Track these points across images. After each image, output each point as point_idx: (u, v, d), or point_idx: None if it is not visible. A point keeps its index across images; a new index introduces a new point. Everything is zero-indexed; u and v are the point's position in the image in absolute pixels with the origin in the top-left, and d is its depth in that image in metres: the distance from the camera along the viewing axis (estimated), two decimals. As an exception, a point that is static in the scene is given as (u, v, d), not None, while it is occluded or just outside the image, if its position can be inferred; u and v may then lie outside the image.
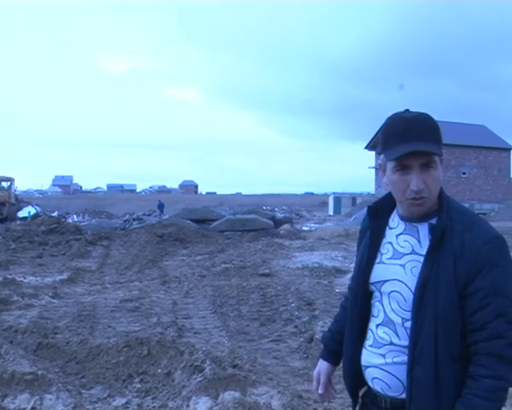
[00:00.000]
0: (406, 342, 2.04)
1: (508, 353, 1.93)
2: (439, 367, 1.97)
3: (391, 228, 2.18)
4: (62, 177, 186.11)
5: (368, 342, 2.19)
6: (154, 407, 5.51)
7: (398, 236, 2.13)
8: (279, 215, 38.61)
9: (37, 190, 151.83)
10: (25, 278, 13.39)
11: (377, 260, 2.17)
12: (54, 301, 10.75)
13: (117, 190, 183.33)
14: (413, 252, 2.07)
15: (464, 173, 55.50)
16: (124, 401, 5.67)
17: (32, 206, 40.60)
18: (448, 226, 2.00)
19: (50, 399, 5.37)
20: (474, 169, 57.17)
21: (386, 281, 2.11)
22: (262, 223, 25.38)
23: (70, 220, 35.85)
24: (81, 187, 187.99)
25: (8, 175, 41.76)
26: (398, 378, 2.08)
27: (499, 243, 1.99)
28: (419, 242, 2.07)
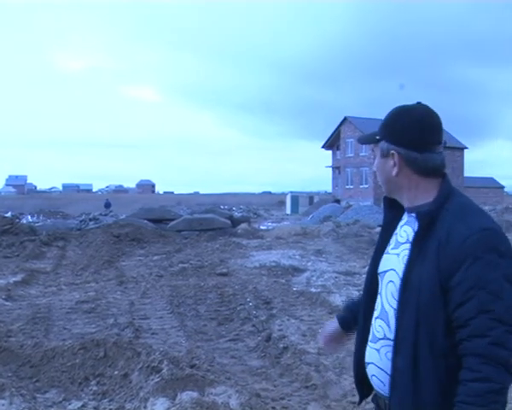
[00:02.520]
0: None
1: (492, 352, 1.81)
2: (418, 359, 1.91)
3: (401, 220, 2.18)
4: (16, 176, 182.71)
5: (369, 338, 2.16)
6: (110, 409, 5.46)
7: (401, 227, 2.14)
8: (237, 214, 38.62)
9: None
10: (-23, 280, 13.10)
11: (385, 251, 2.17)
12: (7, 303, 10.54)
13: (73, 189, 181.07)
14: (407, 241, 2.06)
15: (419, 172, 56.26)
16: (80, 404, 5.60)
17: (-15, 206, 39.75)
18: (440, 216, 1.97)
19: (3, 404, 5.26)
20: (428, 168, 58.05)
21: (387, 271, 2.11)
22: (220, 222, 25.33)
23: (24, 221, 35.11)
24: (36, 187, 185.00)
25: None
26: (389, 375, 2.03)
27: (488, 234, 1.90)
28: (414, 230, 2.05)
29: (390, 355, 2.02)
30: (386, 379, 2.04)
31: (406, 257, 2.01)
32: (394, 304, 2.03)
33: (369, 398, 2.33)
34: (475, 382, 1.82)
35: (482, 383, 1.81)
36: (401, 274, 2.01)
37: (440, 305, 1.90)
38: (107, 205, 48.44)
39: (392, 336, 2.02)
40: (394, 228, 2.19)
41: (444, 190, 2.05)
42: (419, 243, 1.98)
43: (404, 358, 1.94)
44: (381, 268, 2.16)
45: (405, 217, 2.15)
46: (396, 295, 2.02)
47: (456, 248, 1.89)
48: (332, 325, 2.61)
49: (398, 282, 2.02)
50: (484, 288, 1.84)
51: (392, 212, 2.21)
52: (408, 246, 2.04)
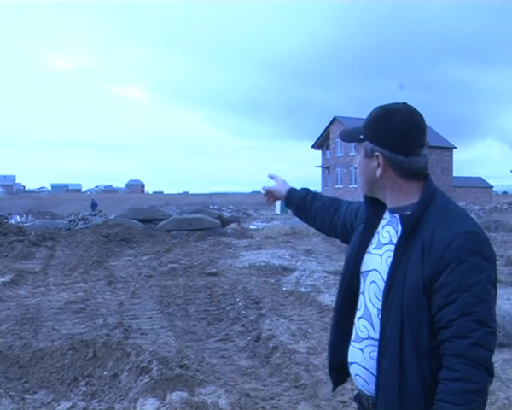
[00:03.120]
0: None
1: (473, 353, 1.85)
2: (404, 361, 1.94)
3: (383, 219, 2.18)
4: (4, 176, 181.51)
5: (352, 338, 2.19)
6: (100, 409, 5.44)
7: (383, 226, 2.15)
8: (226, 214, 38.58)
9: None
10: (-35, 280, 13.00)
11: (367, 250, 2.18)
12: (-5, 304, 10.48)
13: (62, 189, 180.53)
14: (390, 242, 2.07)
15: (408, 172, 56.39)
16: (69, 405, 5.57)
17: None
18: (424, 218, 1.98)
19: (-8, 405, 5.23)
20: (417, 168, 58.22)
21: (369, 271, 2.13)
22: (209, 222, 25.28)
23: (13, 221, 34.89)
24: (24, 187, 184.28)
25: None
26: (374, 375, 2.06)
27: (472, 238, 1.91)
28: (396, 232, 2.07)
29: (374, 355, 2.05)
30: (371, 379, 2.07)
31: (390, 259, 2.03)
32: (378, 304, 2.06)
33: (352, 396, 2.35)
34: (455, 381, 1.85)
35: (461, 383, 1.85)
36: (385, 276, 2.02)
37: (424, 307, 1.93)
38: (94, 205, 47.74)
39: (376, 335, 2.05)
40: (376, 226, 2.19)
41: (427, 192, 2.05)
42: (403, 246, 1.99)
43: (389, 360, 1.97)
44: (363, 267, 2.18)
45: (387, 216, 2.16)
46: (380, 295, 2.05)
47: (440, 251, 1.90)
48: (281, 187, 2.80)
49: (381, 283, 2.05)
50: (467, 291, 1.86)
51: (374, 210, 2.21)
52: (391, 247, 2.06)
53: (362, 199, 2.33)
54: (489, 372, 1.88)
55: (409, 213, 2.02)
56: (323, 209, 2.65)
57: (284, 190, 2.79)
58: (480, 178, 75.62)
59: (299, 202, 2.73)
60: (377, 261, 2.10)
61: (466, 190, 67.16)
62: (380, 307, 2.04)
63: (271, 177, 2.88)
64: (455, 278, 1.87)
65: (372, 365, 2.06)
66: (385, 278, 2.02)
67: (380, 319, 2.02)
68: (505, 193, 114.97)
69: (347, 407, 5.45)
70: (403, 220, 2.01)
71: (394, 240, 2.05)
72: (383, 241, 2.11)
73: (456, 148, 64.24)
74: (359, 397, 2.22)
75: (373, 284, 2.10)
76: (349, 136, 2.26)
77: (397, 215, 2.08)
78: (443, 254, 1.89)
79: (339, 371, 2.33)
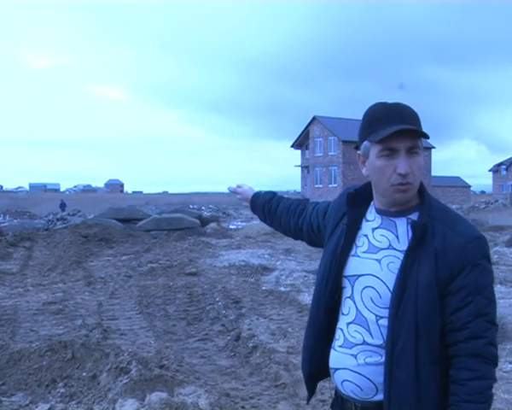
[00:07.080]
0: (380, 341, 2.00)
1: (489, 352, 1.93)
2: (420, 368, 1.93)
3: (367, 220, 2.12)
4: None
5: (337, 343, 2.13)
6: (78, 411, 5.40)
7: (374, 229, 2.08)
8: (206, 214, 38.49)
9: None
10: None
11: (352, 253, 2.11)
12: (-28, 305, 10.36)
13: (40, 189, 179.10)
14: (390, 247, 2.02)
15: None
16: (47, 406, 5.52)
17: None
18: (429, 224, 1.97)
19: (-31, 407, 5.18)
20: (396, 167, 58.61)
21: (361, 275, 2.06)
22: (188, 222, 25.21)
23: (-10, 221, 34.59)
24: (2, 186, 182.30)
25: None
26: (370, 380, 2.02)
27: (481, 242, 1.98)
28: (397, 237, 2.02)
29: (370, 360, 2.02)
30: (365, 384, 2.04)
31: (393, 264, 1.99)
32: (376, 310, 2.02)
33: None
34: (474, 380, 1.91)
35: (481, 381, 1.92)
36: (389, 282, 1.99)
37: (437, 311, 1.95)
38: (63, 205, 46.45)
39: (373, 341, 2.03)
40: (357, 228, 2.14)
41: (426, 197, 2.04)
42: (414, 253, 1.96)
43: (404, 368, 1.95)
44: (350, 271, 2.10)
45: (378, 219, 2.09)
46: (378, 301, 2.01)
47: (455, 255, 1.94)
48: (248, 191, 2.90)
49: (382, 288, 2.00)
50: (481, 293, 1.93)
51: (355, 210, 2.15)
52: (393, 252, 2.01)
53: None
54: (496, 366, 1.98)
55: (416, 219, 2.00)
56: (289, 211, 2.64)
57: (250, 194, 2.86)
58: (457, 178, 76.43)
59: (264, 205, 2.75)
60: (373, 266, 2.03)
61: (444, 190, 67.80)
62: (379, 314, 2.01)
63: (232, 190, 2.97)
64: (470, 281, 1.93)
65: (369, 370, 2.02)
66: (389, 284, 1.99)
67: (386, 325, 1.99)
68: (483, 192, 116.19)
69: (327, 406, 5.46)
70: (415, 228, 1.97)
71: (395, 245, 2.02)
72: (379, 245, 2.05)
73: (434, 147, 64.73)
74: (342, 403, 2.16)
75: (368, 288, 2.04)
76: (417, 131, 2.00)
77: (395, 219, 2.05)
78: (458, 259, 1.93)
79: (316, 378, 2.33)
